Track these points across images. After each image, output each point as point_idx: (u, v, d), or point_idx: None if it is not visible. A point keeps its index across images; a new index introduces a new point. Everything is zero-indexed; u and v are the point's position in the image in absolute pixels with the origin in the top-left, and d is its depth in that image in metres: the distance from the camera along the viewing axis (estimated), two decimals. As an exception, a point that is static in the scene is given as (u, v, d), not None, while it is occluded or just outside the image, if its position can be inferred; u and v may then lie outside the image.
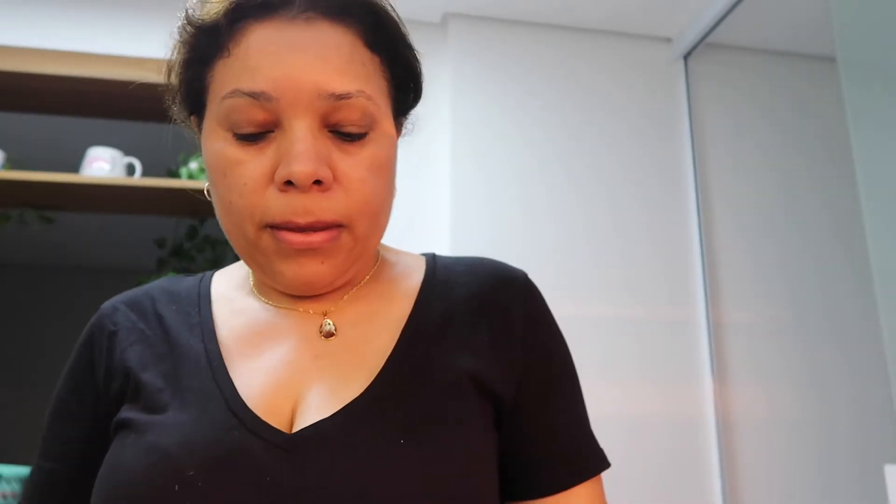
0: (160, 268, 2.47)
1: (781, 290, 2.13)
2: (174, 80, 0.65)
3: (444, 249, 1.98)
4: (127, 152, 2.09)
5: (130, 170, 2.08)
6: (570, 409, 0.67)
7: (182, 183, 1.97)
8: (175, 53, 0.64)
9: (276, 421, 0.58)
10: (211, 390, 0.60)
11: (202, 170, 2.03)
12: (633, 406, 1.95)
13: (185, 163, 2.08)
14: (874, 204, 1.40)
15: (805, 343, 2.09)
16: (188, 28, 0.61)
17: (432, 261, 0.73)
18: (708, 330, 2.05)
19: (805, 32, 2.25)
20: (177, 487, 0.53)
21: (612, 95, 2.22)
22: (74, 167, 2.09)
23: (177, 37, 0.63)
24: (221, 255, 2.40)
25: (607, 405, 1.93)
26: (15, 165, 2.06)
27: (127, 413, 0.61)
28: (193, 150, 2.15)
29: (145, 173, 2.08)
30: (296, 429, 0.57)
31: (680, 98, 2.26)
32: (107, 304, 0.70)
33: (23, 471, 1.75)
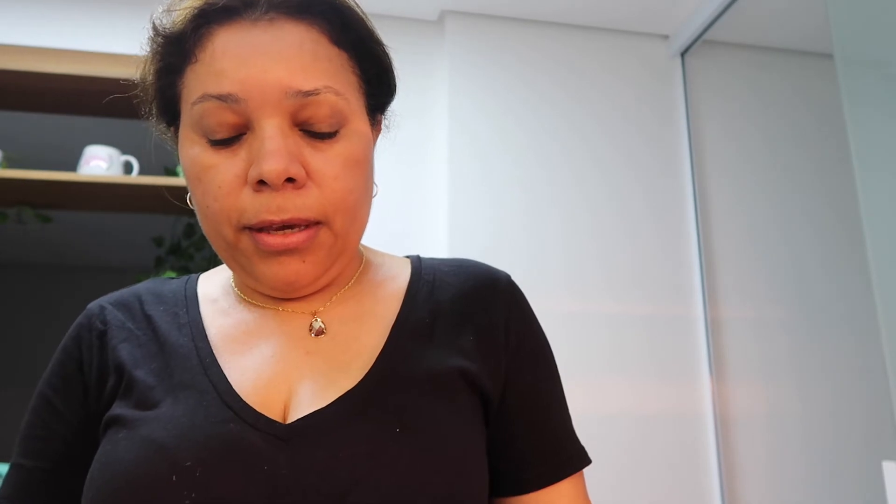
0: (158, 266, 2.47)
1: (779, 287, 2.13)
2: (149, 91, 0.65)
3: (443, 248, 1.99)
4: (124, 150, 2.09)
5: (128, 168, 2.08)
6: (553, 408, 0.69)
7: (180, 181, 1.97)
8: (147, 65, 0.64)
9: (271, 413, 0.58)
10: (204, 385, 0.60)
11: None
12: (632, 402, 1.95)
13: (183, 161, 2.08)
14: (872, 200, 1.40)
15: (803, 339, 2.09)
16: (157, 39, 0.62)
17: (417, 262, 0.74)
18: (706, 326, 2.05)
19: (802, 29, 2.25)
20: (174, 478, 0.53)
21: (609, 93, 2.22)
22: (72, 166, 2.09)
23: (147, 49, 0.63)
24: (219, 254, 2.40)
25: (606, 402, 1.93)
26: (12, 164, 2.06)
27: (117, 410, 0.61)
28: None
29: (142, 171, 2.08)
30: (290, 420, 0.58)
31: (677, 95, 2.26)
32: (93, 304, 0.70)
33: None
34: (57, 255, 4.36)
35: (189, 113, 0.60)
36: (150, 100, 0.66)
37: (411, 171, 2.06)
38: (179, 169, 2.06)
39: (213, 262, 2.40)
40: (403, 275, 0.72)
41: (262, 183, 0.57)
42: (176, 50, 0.61)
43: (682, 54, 2.28)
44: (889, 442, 1.89)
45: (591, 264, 2.05)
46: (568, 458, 0.67)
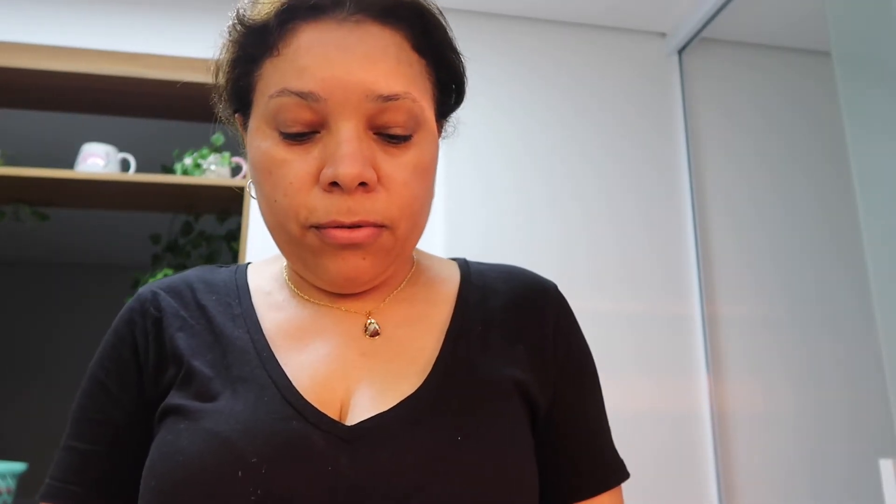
0: (155, 264, 2.47)
1: (776, 285, 2.14)
2: (221, 77, 0.66)
3: (439, 247, 1.99)
4: (121, 148, 2.09)
5: (125, 166, 2.08)
6: (597, 420, 0.71)
7: (177, 179, 1.97)
8: (223, 52, 0.65)
9: (328, 412, 0.58)
10: (263, 380, 0.60)
11: (197, 165, 2.03)
12: (629, 400, 1.96)
13: (180, 158, 2.08)
14: (869, 198, 1.41)
15: (800, 337, 2.10)
16: (238, 27, 0.63)
17: (465, 266, 0.74)
18: (703, 324, 2.05)
19: (799, 27, 2.25)
20: (240, 473, 0.53)
21: (606, 91, 2.22)
22: (69, 163, 2.09)
23: (226, 36, 0.64)
24: (216, 251, 2.40)
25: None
26: (9, 161, 2.05)
27: (176, 399, 0.60)
28: (188, 146, 2.15)
29: (139, 169, 2.07)
30: (350, 422, 0.58)
31: (674, 93, 2.27)
32: (145, 290, 0.70)
33: (18, 467, 1.75)
34: (54, 252, 4.35)
35: (265, 105, 0.60)
36: (221, 86, 0.66)
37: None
38: (177, 166, 2.06)
39: (209, 260, 2.40)
40: (453, 278, 0.72)
41: (333, 184, 0.58)
42: (257, 41, 0.61)
43: (680, 52, 2.29)
44: (886, 439, 1.90)
45: (588, 262, 2.05)
46: (609, 471, 0.68)
